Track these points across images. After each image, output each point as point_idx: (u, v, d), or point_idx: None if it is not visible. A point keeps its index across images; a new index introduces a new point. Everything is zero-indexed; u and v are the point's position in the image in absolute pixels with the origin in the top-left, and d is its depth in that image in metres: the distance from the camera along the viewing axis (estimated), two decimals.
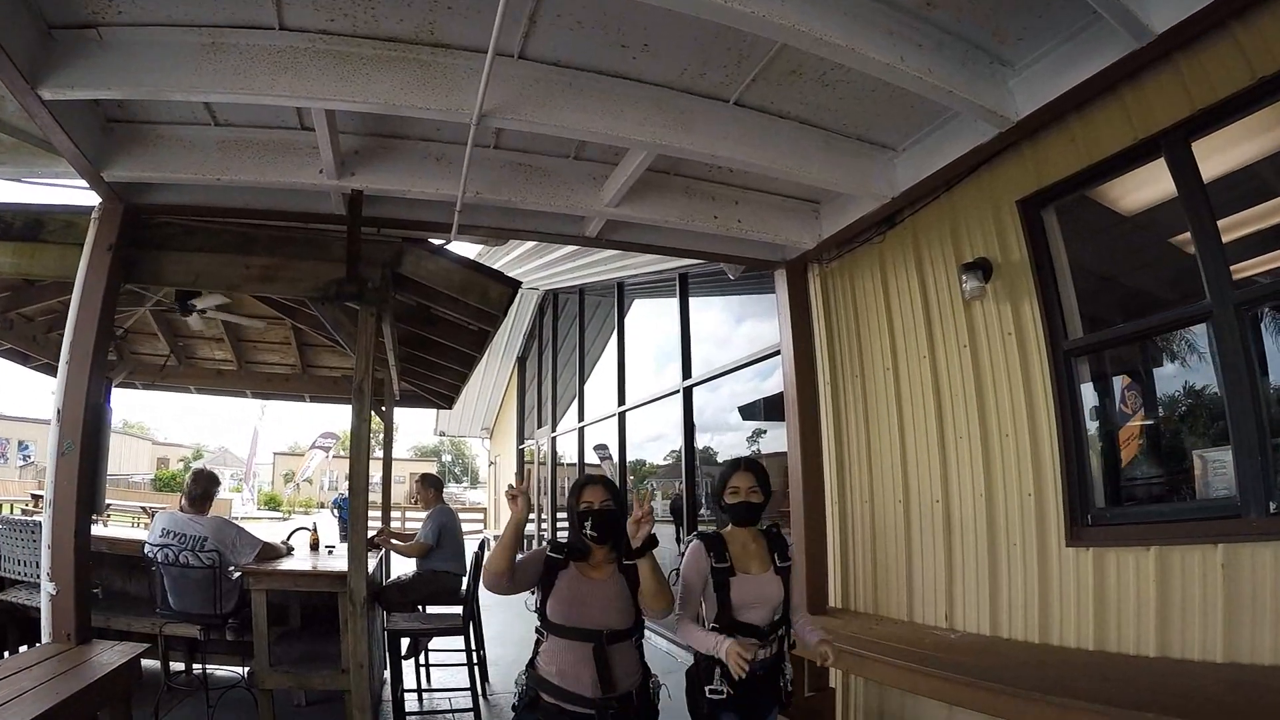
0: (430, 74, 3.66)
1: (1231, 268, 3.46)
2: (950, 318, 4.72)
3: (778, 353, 6.33)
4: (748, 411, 8.71)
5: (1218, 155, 3.62)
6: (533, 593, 3.38)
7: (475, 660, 6.48)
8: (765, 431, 8.68)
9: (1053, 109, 3.83)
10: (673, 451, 10.55)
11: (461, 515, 8.32)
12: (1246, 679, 3.03)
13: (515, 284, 5.87)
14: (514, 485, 3.26)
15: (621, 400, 11.26)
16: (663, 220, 5.03)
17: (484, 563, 3.26)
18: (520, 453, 20.14)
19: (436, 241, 5.60)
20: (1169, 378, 4.23)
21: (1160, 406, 4.25)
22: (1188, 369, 4.04)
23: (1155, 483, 4.33)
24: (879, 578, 5.19)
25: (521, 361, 19.90)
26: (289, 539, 6.89)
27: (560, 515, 15.71)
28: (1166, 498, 4.15)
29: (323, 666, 5.41)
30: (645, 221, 5.09)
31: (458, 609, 6.63)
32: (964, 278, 4.45)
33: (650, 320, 11.32)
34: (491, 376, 21.01)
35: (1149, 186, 3.98)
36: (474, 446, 59.44)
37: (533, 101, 3.79)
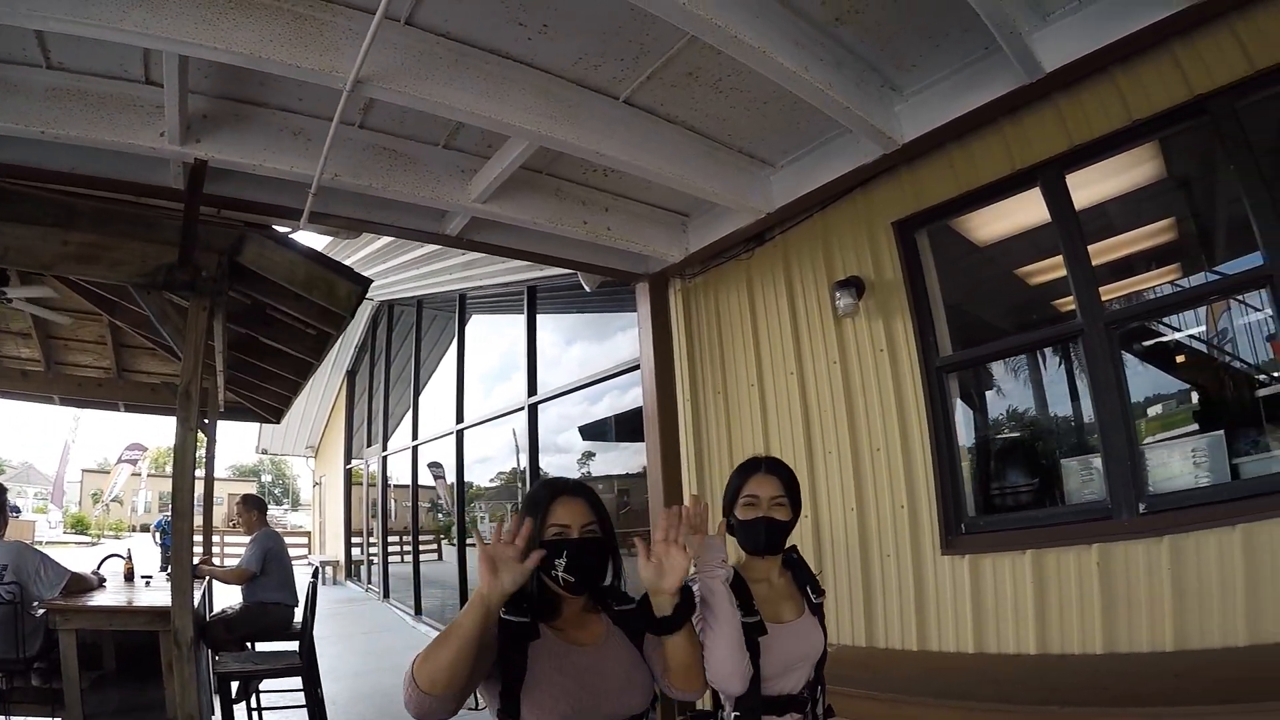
0: (305, 29, 3.08)
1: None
2: (820, 334, 4.64)
3: (630, 370, 6.08)
4: (590, 431, 8.32)
5: (1089, 188, 3.83)
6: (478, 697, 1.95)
7: (313, 700, 5.69)
8: (594, 455, 8.36)
9: (936, 136, 3.93)
10: (502, 473, 10.05)
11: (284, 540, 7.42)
12: (1127, 668, 3.19)
13: (366, 282, 5.12)
14: (495, 535, 1.71)
15: (460, 418, 10.47)
16: (531, 221, 4.62)
17: (417, 666, 1.63)
18: (348, 473, 18.53)
19: (283, 230, 4.82)
20: (1037, 392, 4.40)
21: (1028, 419, 4.41)
22: (1055, 384, 4.24)
23: (1026, 490, 4.43)
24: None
25: (351, 375, 18.30)
26: (99, 568, 5.78)
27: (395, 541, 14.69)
28: (1039, 504, 4.21)
29: (146, 718, 4.56)
30: (512, 222, 4.65)
31: (291, 644, 5.81)
32: (837, 295, 4.39)
33: (493, 335, 10.68)
34: (319, 391, 18.99)
35: (1018, 215, 4.13)
36: (296, 466, 54.58)
37: (414, 73, 3.30)
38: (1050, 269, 4.16)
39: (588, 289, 6.11)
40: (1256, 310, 3.91)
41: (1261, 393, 3.83)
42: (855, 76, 3.76)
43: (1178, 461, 3.53)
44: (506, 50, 3.52)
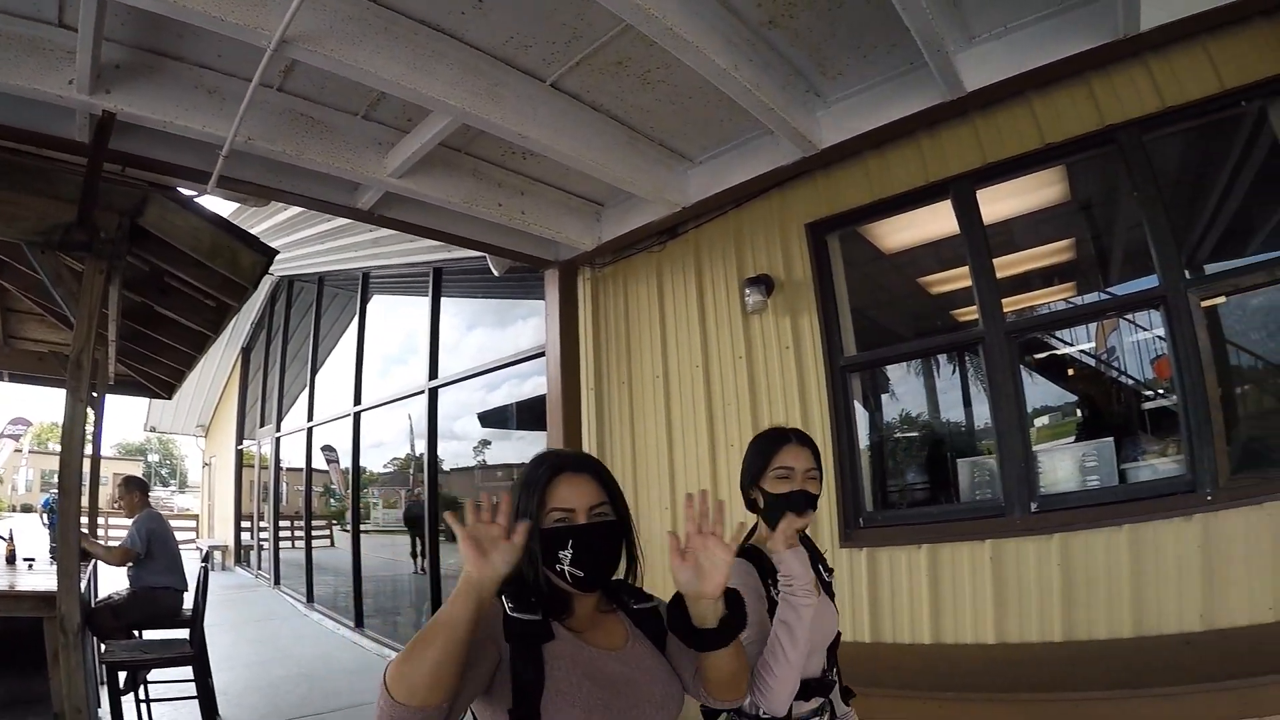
0: None
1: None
2: (728, 329, 4.64)
3: (534, 357, 5.95)
4: (490, 418, 8.07)
5: (998, 204, 4.00)
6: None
7: (204, 691, 5.36)
8: (491, 443, 8.17)
9: (854, 143, 4.04)
10: (397, 458, 9.73)
11: (171, 523, 6.94)
12: (1019, 657, 3.33)
13: (272, 253, 4.81)
14: (472, 514, 1.39)
15: (358, 400, 9.94)
16: (445, 200, 4.44)
17: (392, 672, 1.28)
18: (239, 454, 17.37)
19: (189, 193, 4.48)
20: (932, 396, 4.53)
21: (925, 421, 4.53)
22: (951, 389, 4.39)
23: (922, 488, 4.61)
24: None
25: (246, 353, 17.01)
26: None
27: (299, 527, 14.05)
28: (935, 501, 4.40)
29: (29, 712, 4.20)
30: (426, 199, 4.46)
31: (181, 632, 5.45)
32: (747, 291, 4.41)
33: (395, 316, 10.21)
34: (212, 367, 17.70)
35: (927, 226, 4.25)
36: (184, 445, 51.31)
37: (343, 37, 3.10)
38: (953, 279, 4.31)
39: (496, 273, 5.93)
40: (1145, 330, 4.18)
41: (1147, 406, 4.11)
42: (782, 79, 3.79)
43: (1069, 466, 3.73)
44: (439, 23, 3.37)
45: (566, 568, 1.55)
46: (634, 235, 5.07)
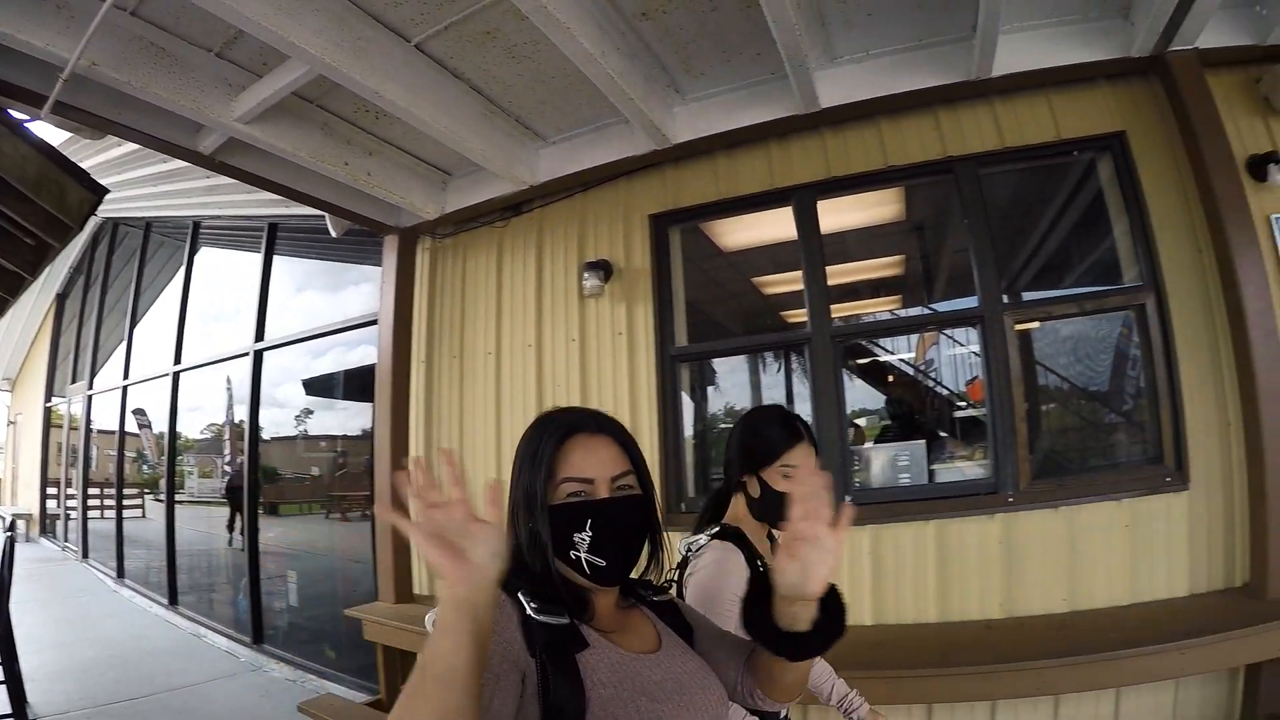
0: None
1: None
2: (563, 311, 4.52)
3: (366, 324, 5.56)
4: (316, 386, 7.29)
5: (836, 215, 4.18)
6: None
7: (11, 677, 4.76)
8: (313, 411, 7.49)
9: (707, 142, 4.11)
10: (214, 424, 8.94)
11: None
12: None
13: (102, 191, 4.25)
14: (420, 471, 1.01)
15: (178, 359, 8.96)
16: (291, 153, 4.06)
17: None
18: (47, 412, 15.47)
19: (19, 117, 3.84)
20: (756, 392, 4.58)
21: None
22: (774, 386, 4.45)
23: None
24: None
25: (61, 300, 15.06)
26: None
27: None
28: None
29: None
30: (271, 149, 4.06)
31: None
32: (585, 275, 4.29)
33: (224, 271, 9.03)
34: (23, 313, 15.44)
35: (766, 229, 4.30)
36: None
37: None
38: (786, 282, 4.43)
39: (334, 234, 5.48)
40: (961, 345, 4.44)
41: (958, 414, 4.35)
42: (645, 71, 3.76)
43: (883, 464, 3.93)
44: None
45: (583, 555, 1.22)
46: (478, 209, 4.83)
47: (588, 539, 1.21)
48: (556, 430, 1.26)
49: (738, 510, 2.03)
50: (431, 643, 0.90)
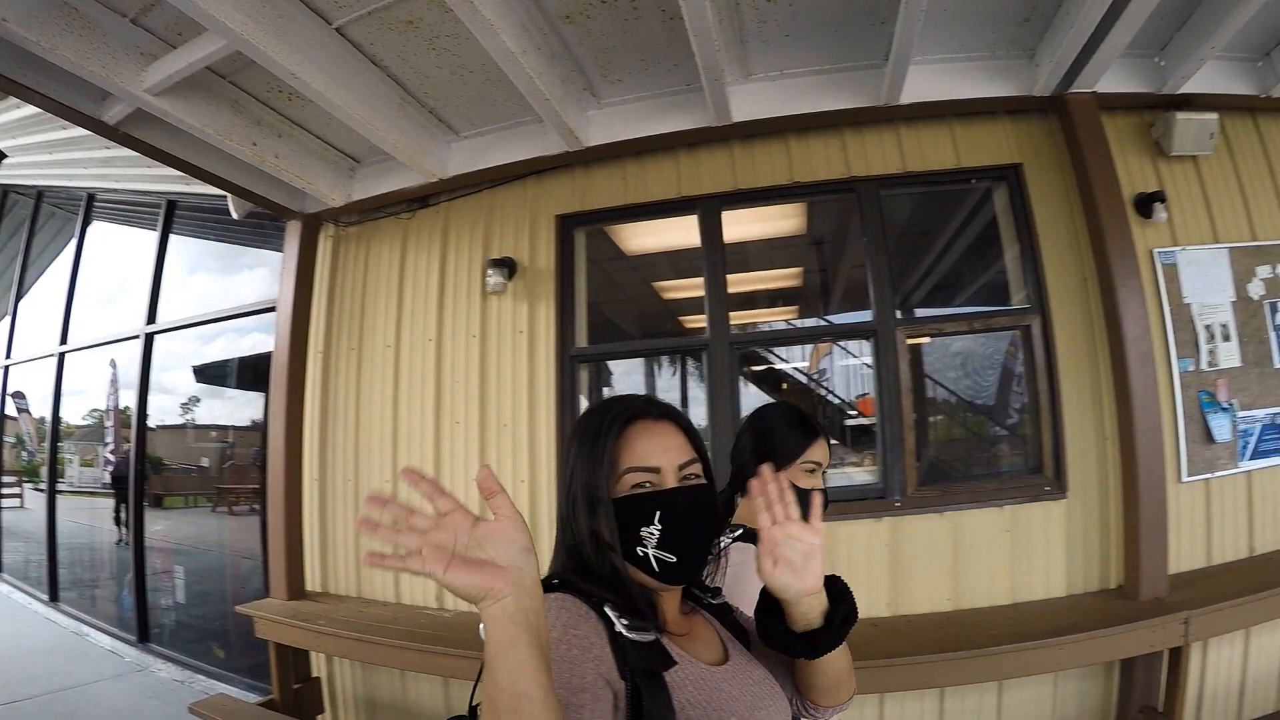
0: None
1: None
2: (465, 307, 4.41)
3: (263, 311, 5.32)
4: (207, 373, 6.87)
5: (740, 226, 4.28)
6: None
7: None
8: (200, 399, 7.07)
9: (618, 147, 4.11)
10: (96, 410, 8.43)
11: None
12: None
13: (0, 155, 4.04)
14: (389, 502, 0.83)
15: (65, 339, 8.41)
16: (199, 128, 3.82)
17: None
18: None
19: None
20: (654, 393, 4.60)
21: None
22: (669, 390, 4.50)
23: None
24: (363, 560, 4.47)
25: None
26: None
27: None
28: None
29: None
30: (179, 124, 3.81)
31: None
32: (489, 272, 4.20)
33: (117, 248, 8.41)
34: None
35: (670, 236, 4.32)
36: None
37: None
38: (687, 288, 4.46)
39: (235, 216, 5.24)
40: (854, 357, 4.56)
41: (849, 422, 4.45)
42: (564, 73, 3.72)
43: None
44: None
45: (651, 551, 1.10)
46: (385, 199, 4.65)
47: (656, 533, 1.10)
48: (617, 418, 1.15)
49: (746, 513, 1.95)
50: (489, 674, 0.79)
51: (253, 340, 5.60)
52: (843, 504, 3.79)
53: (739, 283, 4.29)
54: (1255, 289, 4.10)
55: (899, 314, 3.93)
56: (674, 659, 1.07)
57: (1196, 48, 3.68)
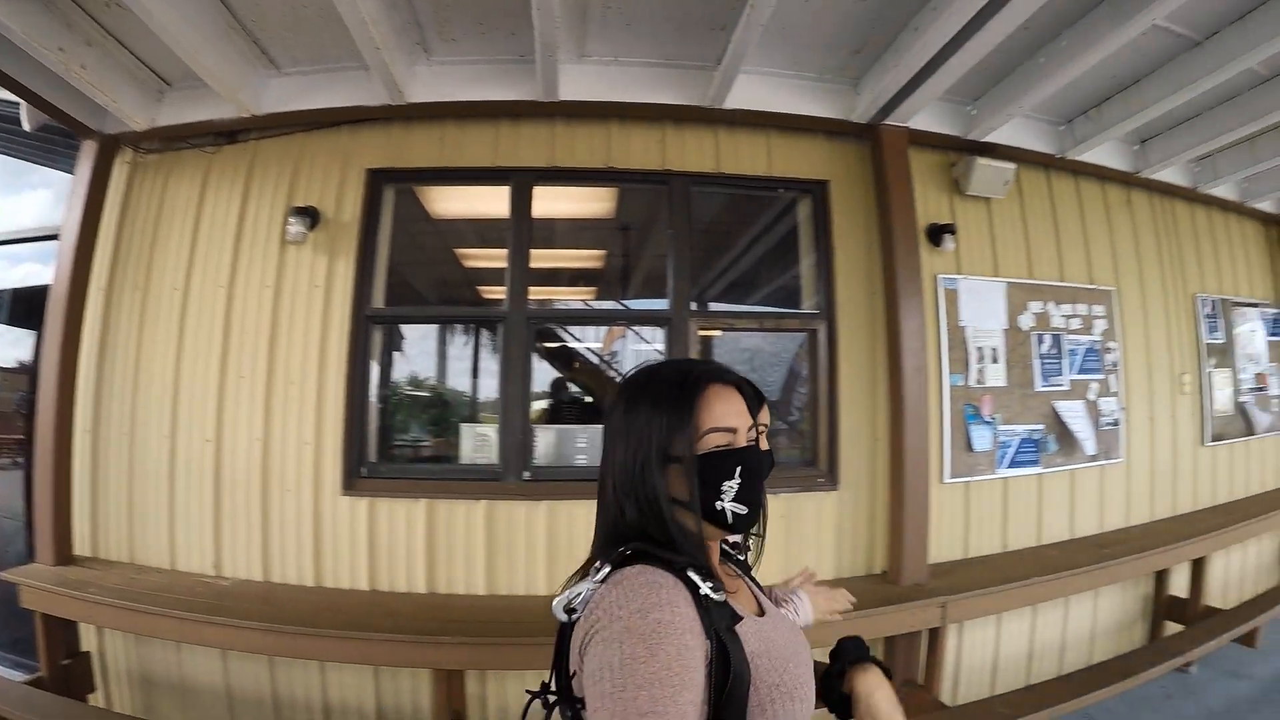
0: None
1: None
2: (261, 255, 4.09)
3: (43, 238, 4.79)
4: None
5: (550, 203, 4.28)
6: None
7: None
8: None
9: (441, 107, 4.00)
10: None
11: None
12: (511, 606, 3.62)
13: None
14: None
15: None
16: (4, 24, 3.37)
17: None
18: None
19: None
20: (445, 360, 4.53)
21: (434, 383, 4.53)
22: (462, 358, 4.42)
23: (426, 445, 4.77)
24: (137, 522, 4.07)
25: None
26: None
27: None
28: (437, 459, 4.55)
29: None
30: None
31: None
32: (291, 220, 3.92)
33: None
34: None
35: (479, 204, 4.25)
36: None
37: None
38: (489, 258, 4.39)
39: (27, 127, 4.71)
40: (647, 343, 4.64)
41: None
42: (401, 24, 3.56)
43: (564, 444, 4.05)
44: None
45: (728, 504, 1.18)
46: (192, 129, 4.24)
47: (735, 488, 1.19)
48: (699, 380, 1.22)
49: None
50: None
51: (26, 270, 5.03)
52: None
53: (542, 259, 4.25)
54: (1026, 321, 4.45)
55: (694, 306, 4.03)
56: (740, 614, 1.15)
57: (1006, 105, 4.00)
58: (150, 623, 3.49)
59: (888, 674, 1.31)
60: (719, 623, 1.08)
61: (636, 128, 4.07)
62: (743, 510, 1.21)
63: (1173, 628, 4.89)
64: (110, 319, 4.31)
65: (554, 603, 1.13)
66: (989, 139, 4.35)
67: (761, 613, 1.30)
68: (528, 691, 1.22)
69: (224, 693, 3.89)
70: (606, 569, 1.11)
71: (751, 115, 4.04)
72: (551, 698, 1.18)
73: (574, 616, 1.11)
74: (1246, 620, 4.58)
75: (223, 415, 4.00)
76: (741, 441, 1.22)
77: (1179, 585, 5.00)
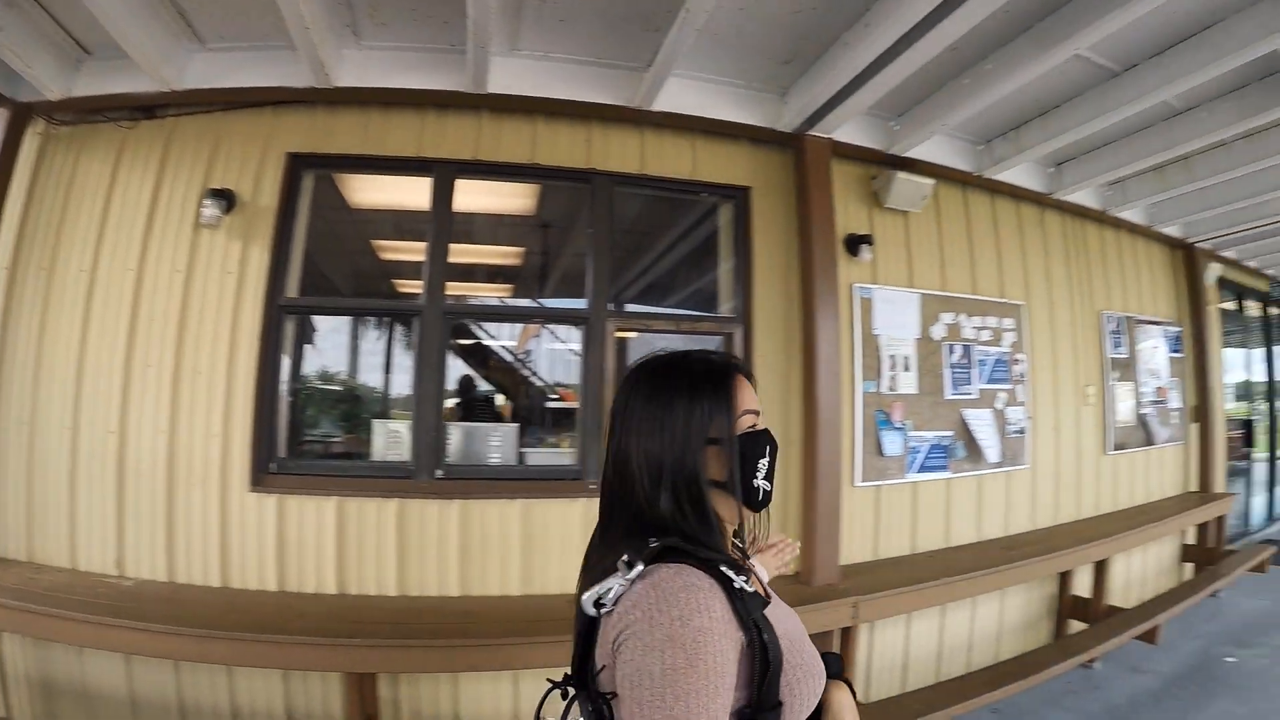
0: None
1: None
2: (174, 238, 3.92)
3: None
4: None
5: (471, 197, 4.25)
6: None
7: None
8: None
9: (366, 93, 3.93)
10: None
11: None
12: (415, 606, 3.56)
13: None
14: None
15: None
16: None
17: None
18: None
19: None
20: (355, 357, 4.47)
21: (346, 378, 4.45)
22: (374, 353, 4.38)
23: (338, 441, 4.66)
24: (36, 518, 3.85)
25: None
26: None
27: None
28: (348, 456, 4.44)
29: None
30: None
31: None
32: (206, 202, 3.78)
33: None
34: None
35: (399, 195, 4.18)
36: None
37: None
38: (406, 251, 4.34)
39: None
40: (561, 342, 4.66)
41: (550, 405, 4.52)
42: (331, 3, 3.48)
43: (475, 442, 4.02)
44: None
45: (760, 482, 1.24)
46: (108, 101, 4.06)
47: (766, 465, 1.25)
48: (728, 368, 1.30)
49: None
50: None
51: None
52: (539, 483, 3.89)
53: (461, 253, 4.19)
54: (938, 331, 4.57)
55: (612, 306, 4.05)
56: (767, 598, 1.23)
57: (929, 122, 4.11)
58: (50, 625, 3.25)
59: (853, 692, 1.35)
60: (754, 611, 1.11)
61: (563, 125, 4.06)
62: (769, 487, 1.28)
63: (1077, 626, 5.11)
64: (12, 301, 4.07)
65: (583, 597, 1.15)
66: (910, 154, 4.47)
67: (768, 596, 1.34)
68: (549, 680, 1.26)
69: (128, 698, 3.68)
70: (639, 565, 1.11)
71: (679, 119, 4.07)
72: (570, 690, 1.22)
73: (603, 611, 1.12)
74: (1147, 618, 4.83)
75: (127, 406, 3.82)
76: (762, 424, 1.30)
77: (1082, 585, 5.22)
